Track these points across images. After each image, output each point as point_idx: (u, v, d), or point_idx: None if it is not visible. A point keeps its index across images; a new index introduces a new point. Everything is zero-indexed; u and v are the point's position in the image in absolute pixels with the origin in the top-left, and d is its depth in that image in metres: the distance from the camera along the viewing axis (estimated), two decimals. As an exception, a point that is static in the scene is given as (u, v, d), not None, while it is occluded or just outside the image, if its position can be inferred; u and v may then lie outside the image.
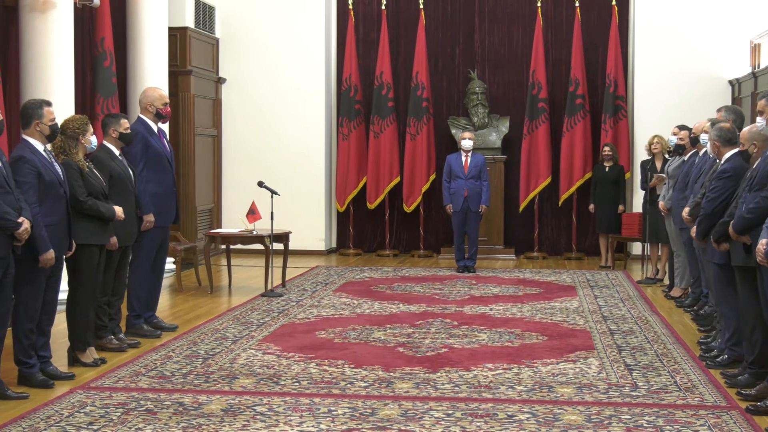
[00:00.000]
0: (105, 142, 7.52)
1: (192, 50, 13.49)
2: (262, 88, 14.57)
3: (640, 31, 14.04)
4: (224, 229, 11.98)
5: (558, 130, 14.14)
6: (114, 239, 7.16)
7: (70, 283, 6.95)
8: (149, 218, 8.08)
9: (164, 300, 9.97)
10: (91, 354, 7.04)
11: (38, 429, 5.36)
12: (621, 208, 12.81)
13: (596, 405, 5.92)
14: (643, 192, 11.61)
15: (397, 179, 14.37)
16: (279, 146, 14.50)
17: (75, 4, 9.95)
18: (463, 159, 12.36)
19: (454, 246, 12.70)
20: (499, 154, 14.17)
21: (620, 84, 13.85)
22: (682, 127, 10.01)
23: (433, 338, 7.99)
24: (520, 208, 14.18)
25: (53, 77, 9.40)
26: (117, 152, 7.59)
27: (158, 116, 8.39)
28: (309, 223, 14.39)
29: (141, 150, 8.15)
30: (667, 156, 11.17)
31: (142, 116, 8.38)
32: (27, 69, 9.41)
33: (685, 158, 9.48)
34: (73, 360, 6.98)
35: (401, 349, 7.54)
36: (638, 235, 12.19)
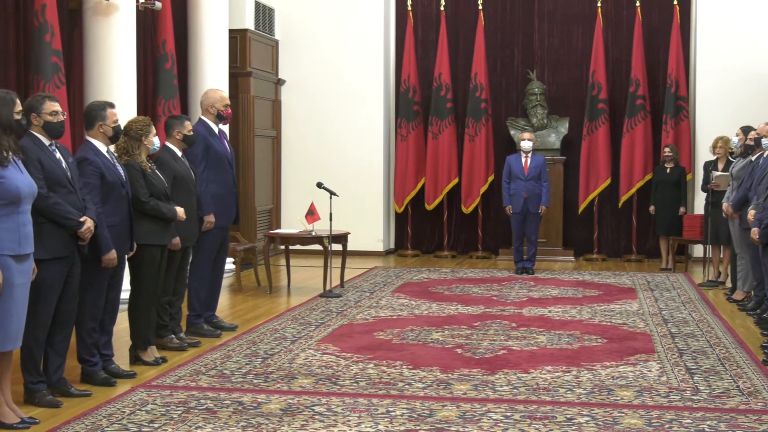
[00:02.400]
0: (168, 144, 7.59)
1: (252, 52, 13.59)
2: (321, 89, 14.62)
3: (702, 30, 13.85)
4: (283, 230, 12.03)
5: (618, 131, 13.99)
6: (177, 240, 7.22)
7: (132, 282, 7.03)
8: (210, 219, 8.14)
9: (224, 300, 10.04)
10: (153, 353, 7.11)
11: (100, 426, 5.42)
12: (682, 210, 12.64)
13: (657, 409, 5.84)
14: (705, 194, 11.46)
15: (456, 180, 14.34)
16: (338, 147, 14.55)
17: (137, 7, 10.07)
18: (523, 160, 12.29)
19: (513, 247, 12.63)
20: (558, 155, 14.07)
21: (682, 84, 13.67)
22: (745, 129, 9.86)
23: (491, 340, 7.95)
24: (580, 210, 14.07)
25: (116, 79, 9.52)
26: (179, 153, 7.65)
27: (219, 117, 8.44)
28: (367, 224, 14.42)
29: (202, 151, 8.21)
30: (730, 157, 11.01)
31: (203, 117, 8.44)
32: (90, 71, 9.55)
33: (753, 158, 9.35)
34: (135, 359, 7.05)
35: (459, 351, 7.51)
36: (700, 237, 12.03)
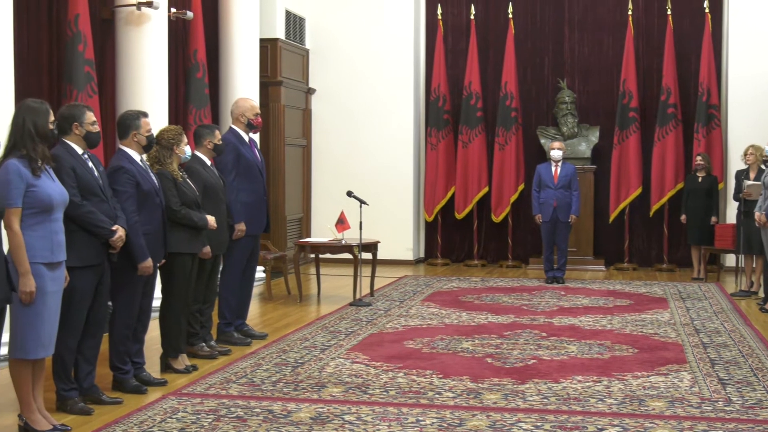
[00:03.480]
0: (197, 153, 7.62)
1: (282, 61, 13.64)
2: (351, 98, 14.65)
3: (734, 37, 13.75)
4: (313, 239, 12.05)
5: (649, 140, 13.91)
6: (207, 248, 7.25)
7: (163, 291, 7.06)
8: (240, 227, 8.17)
9: (254, 308, 10.07)
10: (183, 361, 7.13)
11: (131, 434, 5.45)
12: (714, 219, 12.54)
13: (688, 420, 5.79)
14: (737, 203, 11.37)
15: (486, 189, 14.31)
16: (368, 156, 14.56)
17: (169, 16, 10.14)
18: (553, 168, 12.24)
19: (543, 256, 12.58)
20: (588, 164, 14.01)
21: (713, 93, 13.57)
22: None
23: (521, 349, 7.92)
24: (610, 219, 13.99)
25: (147, 88, 9.59)
26: (209, 162, 7.68)
27: (249, 126, 8.47)
28: (397, 233, 14.42)
29: (233, 160, 8.24)
30: (763, 166, 10.92)
31: (233, 126, 8.47)
32: (122, 81, 9.62)
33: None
34: (166, 366, 7.08)
35: (489, 360, 7.48)
36: (732, 247, 11.94)
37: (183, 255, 6.96)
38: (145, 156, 6.63)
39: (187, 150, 7.12)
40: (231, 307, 8.31)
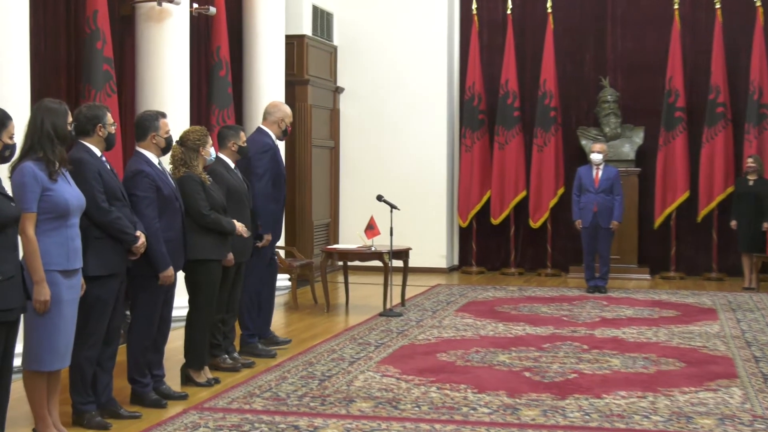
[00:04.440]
0: (221, 155, 7.63)
1: (309, 59, 13.66)
2: (381, 97, 14.66)
3: (788, 33, 13.64)
4: (341, 245, 12.05)
5: (696, 141, 13.81)
6: (231, 256, 7.27)
7: (191, 301, 7.06)
8: (269, 237, 8.23)
9: (279, 318, 10.08)
10: (205, 373, 7.14)
11: (151, 450, 5.46)
12: (766, 225, 12.42)
13: (740, 438, 5.74)
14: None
15: (524, 193, 14.26)
16: (399, 158, 14.57)
17: (191, 12, 10.18)
18: (594, 172, 12.18)
19: (584, 264, 12.52)
20: (632, 166, 13.93)
21: (765, 90, 13.44)
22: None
23: (561, 363, 7.88)
24: (656, 225, 13.90)
25: (168, 87, 9.63)
26: (232, 165, 7.70)
27: (284, 134, 8.55)
28: (430, 239, 14.41)
29: (267, 163, 8.30)
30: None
31: (266, 129, 8.50)
32: (142, 79, 9.67)
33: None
34: (186, 379, 7.09)
35: (527, 374, 7.45)
36: (785, 254, 11.84)
37: (212, 262, 6.99)
38: (168, 157, 6.65)
39: (212, 152, 7.15)
40: (254, 318, 8.35)
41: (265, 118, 8.58)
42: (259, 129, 8.56)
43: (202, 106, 11.04)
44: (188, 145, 6.96)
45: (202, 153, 7.01)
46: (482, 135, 14.47)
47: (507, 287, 12.83)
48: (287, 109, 8.60)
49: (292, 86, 13.26)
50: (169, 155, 6.81)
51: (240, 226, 7.20)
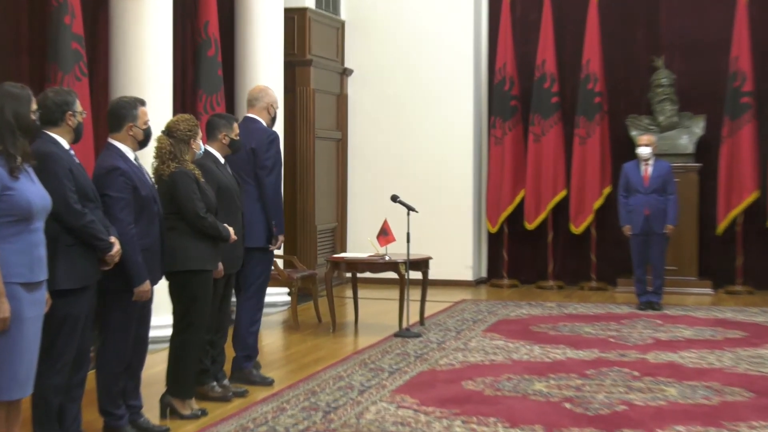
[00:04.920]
0: (209, 148, 7.63)
1: (312, 36, 13.69)
2: (396, 81, 14.68)
3: None
4: (350, 254, 12.06)
5: (767, 132, 13.79)
6: (221, 266, 7.28)
7: (179, 319, 7.02)
8: (282, 238, 8.45)
9: (277, 339, 10.10)
10: (190, 404, 7.14)
11: (127, 493, 5.46)
12: None
13: (818, 482, 5.72)
14: None
15: (563, 193, 14.27)
16: (417, 152, 14.58)
17: (174, -18, 10.22)
18: (643, 168, 12.16)
19: (634, 277, 12.50)
20: (691, 161, 13.91)
21: None
22: None
23: (608, 392, 7.87)
24: (719, 230, 13.88)
25: (148, 70, 9.65)
26: (222, 160, 7.72)
27: (273, 121, 8.61)
28: (454, 247, 14.42)
29: (275, 155, 8.42)
30: None
31: (257, 117, 8.56)
32: (117, 60, 9.69)
33: None
34: (168, 410, 7.08)
35: (568, 405, 7.44)
36: None
37: (206, 273, 6.99)
38: (147, 152, 6.65)
39: (202, 144, 7.18)
40: (253, 336, 8.42)
41: (252, 105, 8.63)
42: (249, 118, 8.59)
43: (188, 92, 11.07)
44: (178, 136, 6.94)
45: (193, 146, 7.03)
46: (515, 125, 14.49)
47: (544, 303, 12.83)
48: (274, 93, 8.73)
49: (292, 68, 13.29)
50: (151, 149, 6.82)
51: (232, 232, 7.22)
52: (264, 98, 8.60)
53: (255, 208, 8.22)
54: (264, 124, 8.53)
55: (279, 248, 8.61)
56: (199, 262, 6.92)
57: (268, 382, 8.19)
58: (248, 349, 8.34)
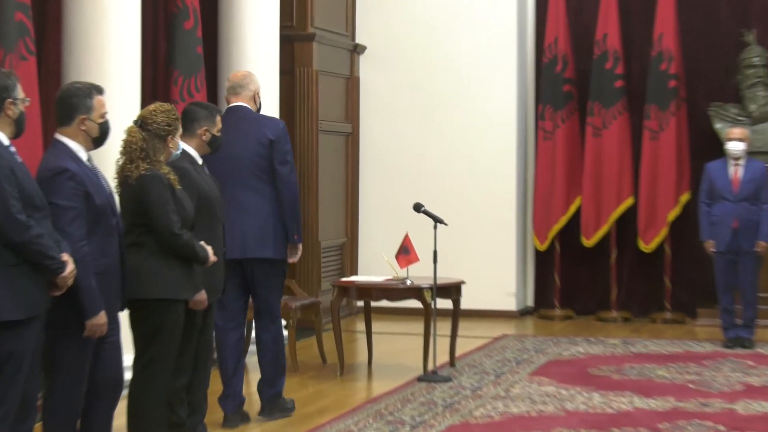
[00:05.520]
0: (184, 145, 7.55)
1: (316, 4, 13.67)
2: (420, 60, 14.69)
3: None
4: (362, 277, 12.05)
5: None
6: (203, 294, 7.23)
7: (139, 359, 6.99)
8: (300, 249, 8.78)
9: (271, 384, 10.08)
10: (160, 466, 7.12)
11: None
12: None
13: None
14: None
15: (630, 201, 14.24)
16: (447, 150, 14.58)
17: (143, -63, 10.22)
18: (732, 170, 12.13)
19: (720, 307, 12.46)
20: (791, 161, 13.88)
21: None
22: None
23: (686, 452, 7.86)
24: (826, 248, 13.84)
25: (110, 47, 9.65)
26: (200, 161, 7.68)
27: (258, 110, 8.87)
28: (492, 269, 14.41)
29: (291, 151, 8.74)
30: None
31: (246, 106, 8.74)
32: (70, 36, 9.68)
33: None
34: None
35: (636, 469, 7.43)
36: None
37: (177, 303, 6.93)
38: (103, 152, 6.61)
39: (180, 144, 7.08)
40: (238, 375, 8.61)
41: (236, 93, 8.77)
42: (239, 107, 8.65)
43: (160, 74, 11.05)
44: (153, 129, 6.82)
45: (170, 144, 6.94)
46: (569, 115, 14.45)
47: (606, 339, 12.83)
48: (257, 79, 8.97)
49: (290, 44, 13.27)
50: (111, 146, 6.76)
51: (211, 252, 7.13)
52: (250, 85, 8.80)
53: (269, 212, 8.50)
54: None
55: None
56: (170, 290, 6.84)
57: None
58: (279, 385, 8.76)
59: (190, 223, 7.03)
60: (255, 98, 8.74)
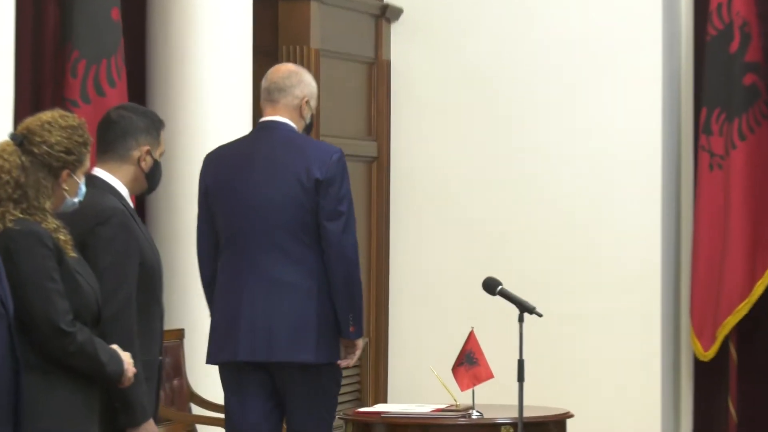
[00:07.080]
0: (104, 174, 7.60)
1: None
2: (491, 35, 14.82)
3: None
4: (394, 406, 12.20)
5: None
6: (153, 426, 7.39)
7: None
8: (360, 347, 8.89)
9: None
10: None
11: None
12: None
13: None
14: None
15: None
16: (534, 187, 14.67)
17: None
18: None
19: None
20: None
21: None
22: None
23: None
24: None
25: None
26: (131, 202, 7.70)
27: (308, 129, 9.02)
28: (620, 391, 14.49)
29: (348, 190, 8.82)
30: None
31: (287, 122, 8.92)
32: None
33: None
34: None
35: None
36: None
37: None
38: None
39: (83, 185, 7.05)
40: None
41: (272, 100, 8.99)
42: (274, 124, 8.83)
43: (46, 55, 11.17)
44: (41, 155, 6.73)
45: (63, 183, 6.97)
46: (756, 124, 14.51)
47: None
48: (313, 80, 9.16)
49: (272, 6, 13.42)
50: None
51: (128, 362, 7.17)
52: (296, 88, 8.96)
53: (313, 291, 8.65)
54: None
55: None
56: (51, 422, 7.00)
57: None
58: None
59: (91, 314, 7.06)
60: (302, 110, 8.91)
